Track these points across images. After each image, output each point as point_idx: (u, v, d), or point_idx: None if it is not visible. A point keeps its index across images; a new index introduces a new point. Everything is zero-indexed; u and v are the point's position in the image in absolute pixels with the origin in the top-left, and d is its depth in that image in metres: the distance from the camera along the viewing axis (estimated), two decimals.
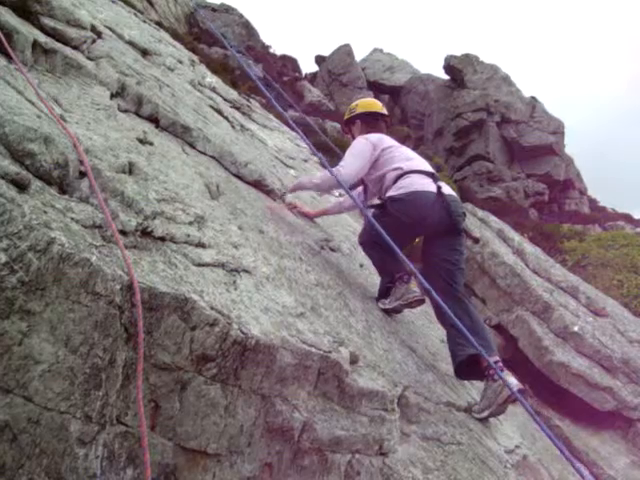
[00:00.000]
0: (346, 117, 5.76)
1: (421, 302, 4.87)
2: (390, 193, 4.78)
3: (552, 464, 5.12)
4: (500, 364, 4.33)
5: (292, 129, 5.47)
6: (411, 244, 5.40)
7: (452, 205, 4.72)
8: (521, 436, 5.11)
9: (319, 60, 38.95)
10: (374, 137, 5.20)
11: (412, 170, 4.87)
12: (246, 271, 3.17)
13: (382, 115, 5.67)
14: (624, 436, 7.36)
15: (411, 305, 4.92)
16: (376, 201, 5.16)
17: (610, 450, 6.96)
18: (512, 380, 4.25)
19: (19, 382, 1.87)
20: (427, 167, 5.04)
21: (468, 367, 4.48)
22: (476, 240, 9.45)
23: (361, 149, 5.06)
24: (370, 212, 4.87)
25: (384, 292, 5.08)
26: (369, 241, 5.02)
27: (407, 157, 5.09)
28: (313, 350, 2.94)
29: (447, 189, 4.86)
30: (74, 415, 1.98)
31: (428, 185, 4.75)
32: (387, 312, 5.01)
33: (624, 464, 6.72)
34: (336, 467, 2.94)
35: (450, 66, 34.31)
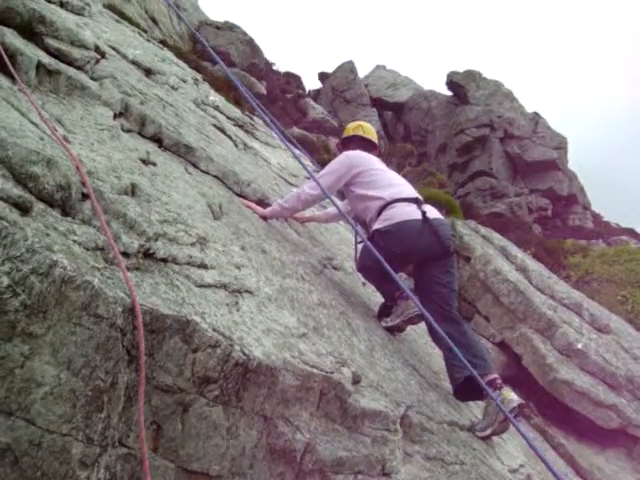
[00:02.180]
0: (345, 134, 5.79)
1: (422, 318, 4.87)
2: (376, 226, 4.81)
3: None
4: (499, 381, 4.34)
5: (291, 146, 5.51)
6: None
7: (440, 229, 4.76)
8: (525, 455, 5.08)
9: (322, 77, 39.16)
10: (356, 155, 5.23)
11: (395, 199, 4.88)
12: (248, 292, 3.17)
13: (374, 145, 5.71)
14: (629, 454, 7.32)
15: (412, 321, 4.93)
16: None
17: (615, 468, 6.93)
18: (512, 396, 4.26)
19: (21, 405, 1.87)
20: (410, 193, 5.06)
21: (467, 388, 4.49)
22: (467, 259, 9.44)
23: (335, 167, 5.09)
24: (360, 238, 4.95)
25: (385, 311, 5.09)
26: (365, 267, 5.06)
27: (389, 183, 5.09)
28: (315, 371, 2.94)
29: (433, 213, 4.90)
30: (76, 438, 1.98)
31: (413, 213, 4.78)
32: (390, 330, 5.02)
33: None
34: None
35: (453, 82, 34.48)
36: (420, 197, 5.09)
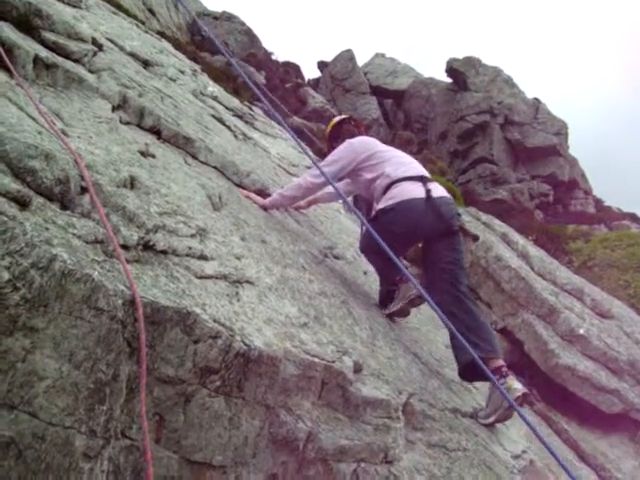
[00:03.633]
0: (330, 129, 5.93)
1: (423, 299, 4.86)
2: (380, 205, 4.79)
3: (559, 469, 5.10)
4: (504, 369, 4.30)
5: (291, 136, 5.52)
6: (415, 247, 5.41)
7: (443, 207, 4.70)
8: (528, 441, 5.09)
9: (321, 66, 39.06)
10: (360, 141, 5.23)
11: (400, 178, 4.84)
12: (249, 282, 3.18)
13: (360, 123, 5.86)
14: (632, 438, 7.33)
15: (414, 302, 4.91)
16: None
17: (618, 453, 6.93)
18: (517, 385, 4.23)
19: (24, 398, 1.88)
20: (417, 171, 5.00)
21: (473, 370, 4.45)
22: (475, 238, 9.42)
23: (339, 156, 5.08)
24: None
25: (386, 298, 5.08)
26: (368, 248, 5.04)
27: (397, 162, 5.05)
28: (316, 360, 2.95)
29: (438, 191, 4.82)
30: (79, 430, 1.99)
31: (416, 191, 4.72)
32: (392, 317, 5.02)
33: (632, 467, 6.70)
34: (341, 476, 2.93)
35: (452, 69, 34.37)
36: (427, 174, 5.03)
